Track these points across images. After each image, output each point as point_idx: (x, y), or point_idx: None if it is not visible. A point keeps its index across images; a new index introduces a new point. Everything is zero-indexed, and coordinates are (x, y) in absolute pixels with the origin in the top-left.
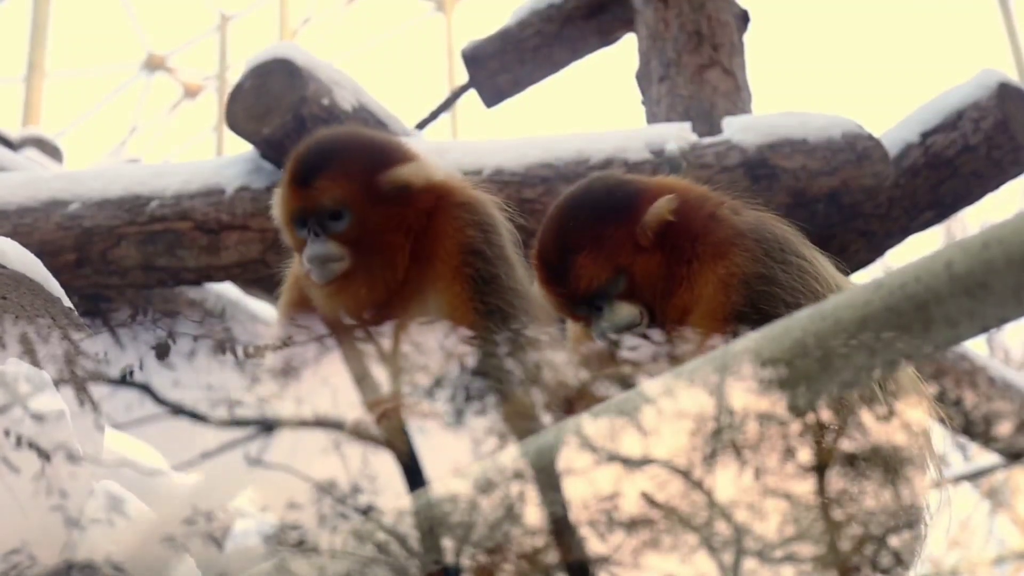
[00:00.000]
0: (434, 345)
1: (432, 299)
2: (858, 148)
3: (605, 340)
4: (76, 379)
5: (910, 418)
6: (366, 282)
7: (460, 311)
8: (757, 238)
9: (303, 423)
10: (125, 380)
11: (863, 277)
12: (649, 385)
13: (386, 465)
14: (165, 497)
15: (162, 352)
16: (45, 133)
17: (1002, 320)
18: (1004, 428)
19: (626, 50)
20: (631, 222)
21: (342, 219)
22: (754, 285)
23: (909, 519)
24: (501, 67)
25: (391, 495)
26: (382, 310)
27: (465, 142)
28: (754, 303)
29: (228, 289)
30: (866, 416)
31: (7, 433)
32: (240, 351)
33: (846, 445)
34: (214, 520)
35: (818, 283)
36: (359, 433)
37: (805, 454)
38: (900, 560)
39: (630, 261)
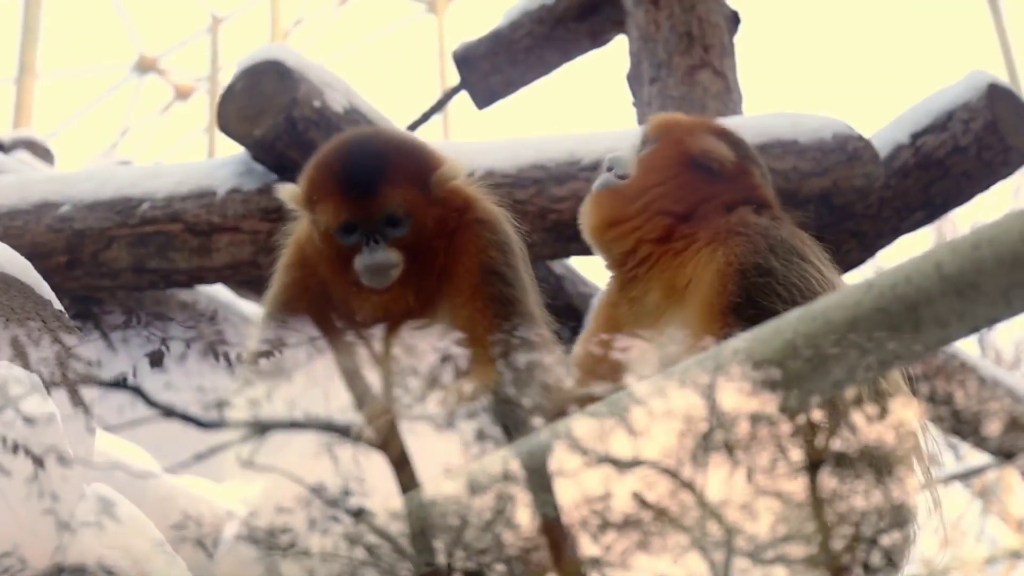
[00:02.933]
0: (430, 350)
1: (447, 312)
2: (849, 149)
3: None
4: (67, 382)
5: (899, 418)
6: (413, 286)
7: (480, 328)
8: (761, 232)
9: (295, 425)
10: (116, 383)
11: (854, 278)
12: (641, 386)
13: (377, 467)
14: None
15: (156, 360)
16: (36, 135)
17: (992, 321)
18: (995, 428)
19: (617, 51)
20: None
21: (401, 226)
22: (751, 276)
23: (898, 519)
24: (492, 68)
25: (383, 497)
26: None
27: (457, 143)
28: (750, 296)
29: (219, 291)
30: (855, 416)
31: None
32: (233, 356)
33: (836, 445)
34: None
35: (823, 288)
36: (353, 436)
37: (796, 454)
38: (890, 560)
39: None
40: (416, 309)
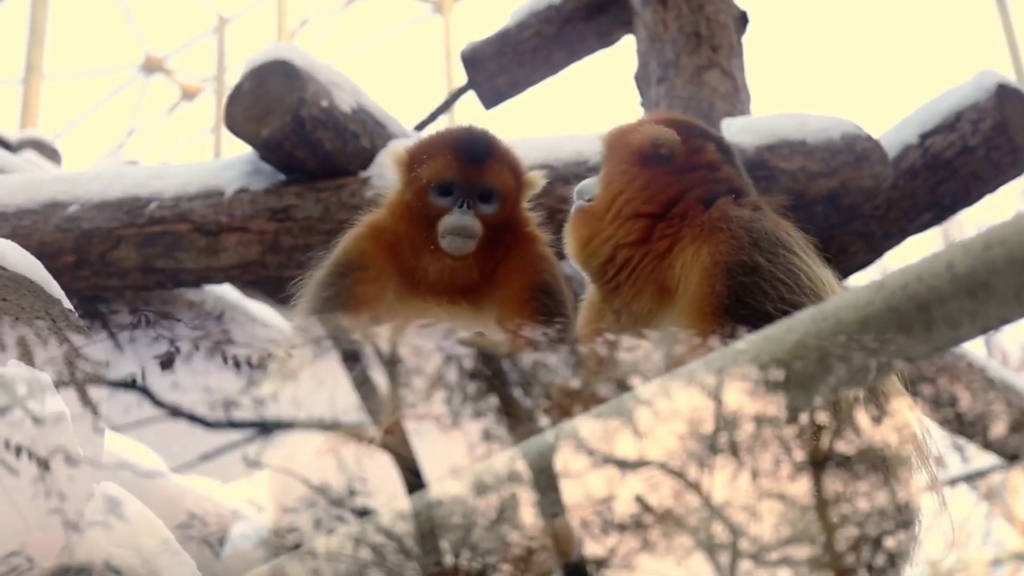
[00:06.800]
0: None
1: (492, 320)
2: (857, 149)
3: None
4: (75, 381)
5: (902, 419)
6: (479, 265)
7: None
8: (744, 226)
9: (300, 425)
10: (124, 383)
11: (862, 279)
12: (649, 387)
13: (383, 468)
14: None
15: (167, 363)
16: (43, 135)
17: (1003, 320)
18: (1002, 429)
19: (625, 51)
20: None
21: (491, 203)
22: (737, 276)
23: (902, 520)
24: (500, 68)
25: (389, 498)
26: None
27: None
28: (739, 296)
29: (227, 291)
30: (859, 417)
31: (7, 437)
32: (245, 359)
33: (841, 446)
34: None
35: (810, 280)
36: (360, 437)
37: (802, 455)
38: (893, 561)
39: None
40: (479, 285)
